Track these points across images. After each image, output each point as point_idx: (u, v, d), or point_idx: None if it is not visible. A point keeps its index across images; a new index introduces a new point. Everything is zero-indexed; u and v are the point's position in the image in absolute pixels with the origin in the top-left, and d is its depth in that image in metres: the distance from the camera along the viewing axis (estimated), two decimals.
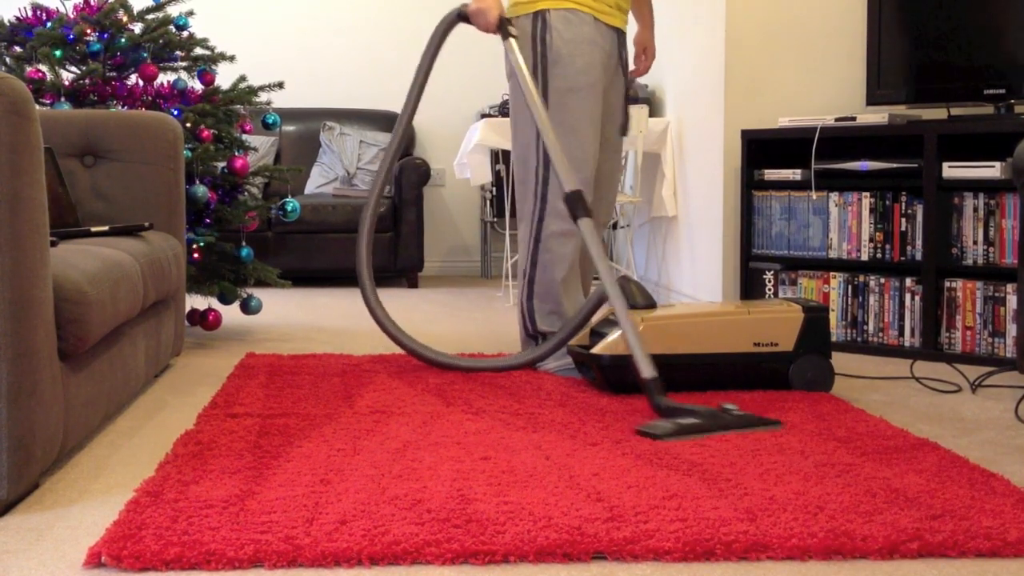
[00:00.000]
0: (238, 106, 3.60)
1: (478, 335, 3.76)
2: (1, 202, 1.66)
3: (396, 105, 6.25)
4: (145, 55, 3.47)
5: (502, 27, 2.86)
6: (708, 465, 1.96)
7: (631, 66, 3.25)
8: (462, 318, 4.23)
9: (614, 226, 5.38)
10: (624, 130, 3.12)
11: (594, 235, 2.64)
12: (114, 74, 3.52)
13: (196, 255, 3.40)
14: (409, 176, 5.49)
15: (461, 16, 2.95)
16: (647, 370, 2.38)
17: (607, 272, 2.57)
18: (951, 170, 3.19)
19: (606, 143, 3.10)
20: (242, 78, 3.70)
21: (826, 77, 3.80)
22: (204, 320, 3.55)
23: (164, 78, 3.61)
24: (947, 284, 3.22)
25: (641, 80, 4.87)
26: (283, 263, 5.24)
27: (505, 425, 2.28)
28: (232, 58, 3.64)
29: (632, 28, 3.34)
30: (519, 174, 3.02)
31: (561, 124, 2.91)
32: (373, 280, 3.01)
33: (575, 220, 2.62)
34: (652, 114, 4.72)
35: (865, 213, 3.38)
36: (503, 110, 5.16)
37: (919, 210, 3.27)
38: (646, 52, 3.27)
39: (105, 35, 3.47)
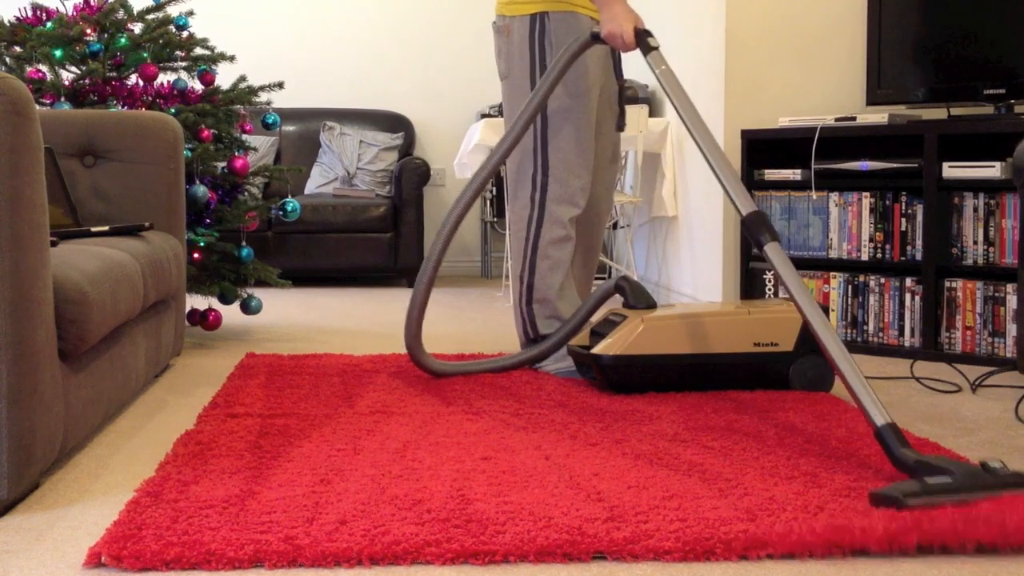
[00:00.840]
0: (238, 106, 3.60)
1: (478, 335, 3.76)
2: (1, 202, 1.66)
3: (396, 105, 6.25)
4: (145, 55, 3.47)
5: (641, 41, 2.65)
6: (708, 465, 1.96)
7: (644, 70, 3.26)
8: (462, 318, 4.23)
9: (614, 226, 5.38)
10: (620, 126, 3.10)
11: (783, 258, 2.17)
12: (114, 74, 3.52)
13: (196, 255, 3.40)
14: (409, 176, 5.50)
15: (596, 38, 2.75)
16: (880, 418, 1.89)
17: (802, 297, 2.10)
18: (951, 170, 3.19)
19: (603, 140, 3.09)
20: (242, 78, 3.70)
21: (826, 77, 3.81)
22: (204, 320, 3.55)
23: (164, 78, 3.61)
24: (947, 284, 3.22)
25: (641, 80, 4.87)
26: (283, 263, 5.24)
27: (505, 425, 2.28)
28: (232, 58, 3.65)
29: None
30: (513, 179, 2.98)
31: (562, 129, 2.88)
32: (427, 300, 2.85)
33: (760, 248, 2.20)
34: (652, 114, 4.72)
35: (865, 213, 3.38)
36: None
37: (919, 210, 3.27)
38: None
39: (105, 35, 3.47)
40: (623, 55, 3.17)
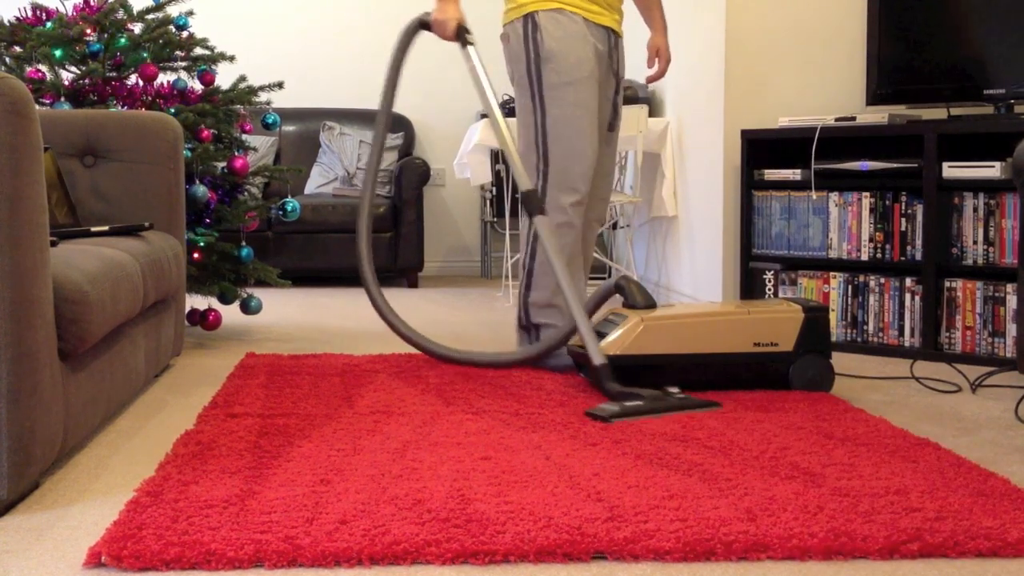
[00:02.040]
0: (238, 106, 3.60)
1: (478, 335, 3.76)
2: (1, 202, 1.66)
3: (396, 105, 6.25)
4: (145, 55, 3.47)
5: (460, 36, 2.93)
6: (708, 465, 1.96)
7: (646, 71, 3.29)
8: (462, 318, 4.23)
9: (614, 226, 5.38)
10: (611, 126, 3.14)
11: (551, 232, 2.76)
12: (114, 74, 3.52)
13: (196, 255, 3.40)
14: (409, 176, 5.49)
15: (423, 24, 3.01)
16: (597, 357, 2.53)
17: (560, 271, 2.68)
18: (951, 170, 3.19)
19: (603, 147, 3.13)
20: (242, 78, 3.70)
21: (826, 77, 3.81)
22: (204, 320, 3.55)
23: (164, 78, 3.61)
24: (947, 284, 3.22)
25: (641, 80, 4.87)
26: (283, 263, 5.24)
27: (505, 425, 2.28)
28: (232, 58, 3.64)
29: (638, 32, 3.35)
30: (525, 167, 3.04)
31: (559, 118, 2.95)
32: (376, 279, 3.03)
33: (531, 217, 2.77)
34: (652, 114, 4.72)
35: (865, 213, 3.38)
36: (503, 110, 5.16)
37: (919, 210, 3.27)
38: (659, 55, 3.29)
39: (105, 35, 3.47)
40: (625, 57, 3.19)
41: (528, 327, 3.05)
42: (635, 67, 5.13)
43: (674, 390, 2.49)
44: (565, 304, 2.90)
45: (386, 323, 3.01)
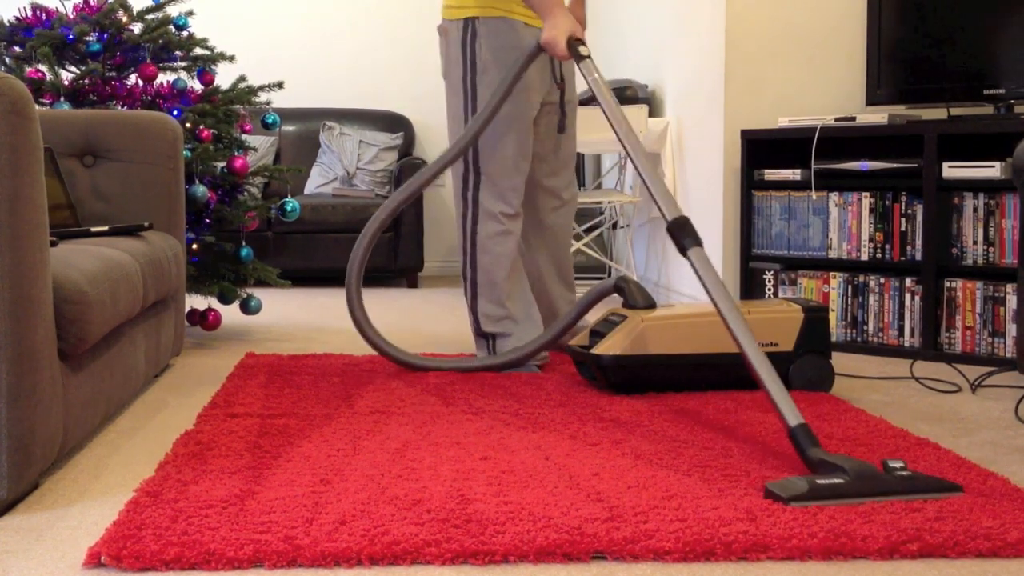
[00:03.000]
0: (238, 106, 3.60)
1: None
2: (1, 202, 1.66)
3: (396, 105, 6.25)
4: (145, 55, 3.47)
5: (572, 50, 2.73)
6: (708, 465, 1.96)
7: (646, 70, 3.26)
8: (462, 318, 4.23)
9: (614, 226, 5.38)
10: (561, 128, 3.11)
11: (707, 264, 2.23)
12: (114, 74, 3.52)
13: (196, 255, 3.39)
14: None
15: (541, 47, 2.82)
16: (793, 418, 1.94)
17: (722, 300, 2.16)
18: (951, 170, 3.19)
19: (544, 143, 3.10)
20: (242, 78, 3.70)
21: (826, 77, 3.80)
22: (204, 320, 3.55)
23: (164, 78, 3.61)
24: (947, 284, 3.22)
25: (641, 80, 4.87)
26: (283, 263, 5.24)
27: (505, 425, 2.28)
28: (232, 58, 3.64)
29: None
30: (453, 178, 3.06)
31: (491, 131, 2.93)
32: (360, 287, 3.00)
33: (683, 252, 2.28)
34: (652, 114, 4.72)
35: (865, 213, 3.38)
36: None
37: (919, 210, 3.27)
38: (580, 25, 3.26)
39: (105, 35, 3.47)
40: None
41: (484, 335, 3.03)
42: (635, 67, 5.14)
43: (897, 464, 1.82)
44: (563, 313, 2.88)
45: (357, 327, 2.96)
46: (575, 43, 2.73)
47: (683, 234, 2.28)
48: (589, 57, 2.70)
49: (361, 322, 2.96)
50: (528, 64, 2.86)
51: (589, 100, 4.71)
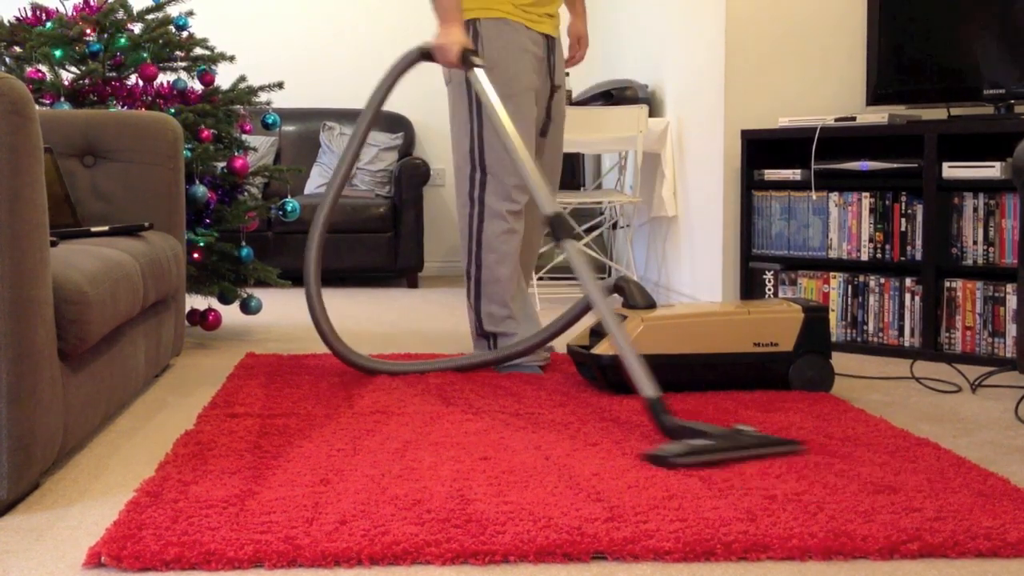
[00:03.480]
0: (238, 106, 3.60)
1: None
2: (1, 202, 1.66)
3: (396, 105, 6.25)
4: (145, 55, 3.47)
5: (465, 60, 2.82)
6: (708, 465, 1.96)
7: (566, 55, 3.28)
8: (462, 318, 4.23)
9: (614, 226, 5.38)
10: (543, 132, 3.13)
11: (581, 256, 2.53)
12: (114, 74, 3.52)
13: (196, 255, 3.40)
14: (409, 176, 5.49)
15: (424, 55, 2.93)
16: (649, 389, 2.17)
17: (591, 287, 2.45)
18: (951, 170, 3.19)
19: (544, 149, 3.14)
20: (242, 78, 3.70)
21: (826, 77, 3.80)
22: (204, 320, 3.55)
23: (164, 78, 3.61)
24: (947, 284, 3.22)
25: (641, 80, 4.87)
26: (283, 263, 5.23)
27: (505, 425, 2.28)
28: (232, 58, 3.64)
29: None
30: (457, 179, 3.07)
31: (497, 131, 2.91)
32: (319, 282, 2.96)
33: (558, 242, 2.56)
34: (652, 114, 4.72)
35: (865, 213, 3.38)
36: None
37: (919, 210, 3.27)
38: (580, 42, 3.31)
39: (105, 35, 3.47)
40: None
41: (486, 335, 3.04)
42: (635, 67, 5.14)
43: (746, 428, 2.10)
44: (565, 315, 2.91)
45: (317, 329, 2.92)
46: (469, 54, 2.82)
47: (560, 229, 2.55)
48: (481, 67, 2.81)
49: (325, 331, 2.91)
50: (405, 69, 2.98)
51: (587, 101, 4.72)
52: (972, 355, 3.17)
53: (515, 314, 3.00)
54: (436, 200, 6.30)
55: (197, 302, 4.31)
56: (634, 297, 2.72)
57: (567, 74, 3.24)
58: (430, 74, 6.32)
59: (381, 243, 5.43)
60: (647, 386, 2.17)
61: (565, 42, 3.28)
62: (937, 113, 3.58)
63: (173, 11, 3.65)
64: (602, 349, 2.62)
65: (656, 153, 4.62)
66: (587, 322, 3.18)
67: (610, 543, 1.54)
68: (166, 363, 2.95)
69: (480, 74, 2.79)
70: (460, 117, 3.02)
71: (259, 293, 5.09)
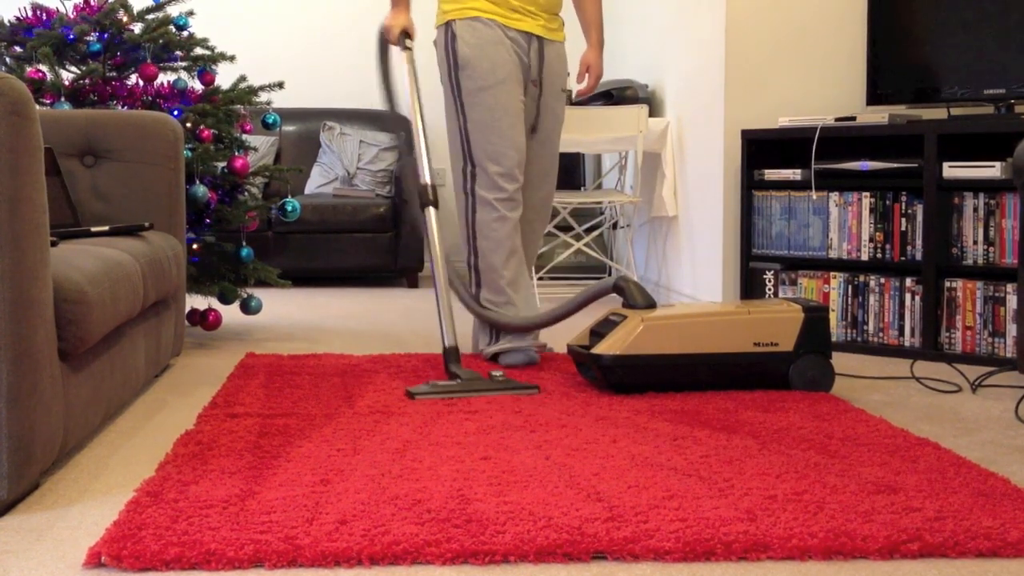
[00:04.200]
0: (238, 106, 3.60)
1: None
2: (1, 202, 1.66)
3: (396, 105, 6.24)
4: (145, 55, 3.47)
5: (400, 41, 3.14)
6: (708, 465, 1.96)
7: (573, 81, 3.38)
8: (462, 318, 4.23)
9: (614, 226, 5.38)
10: (534, 129, 3.19)
11: (435, 224, 2.94)
12: (114, 74, 3.52)
13: (196, 255, 3.39)
14: (409, 176, 5.49)
15: (381, 37, 3.21)
16: (448, 339, 2.79)
17: (438, 259, 2.91)
18: (951, 170, 3.19)
19: (543, 149, 3.20)
20: (242, 78, 3.70)
21: (826, 77, 3.80)
22: (204, 320, 3.55)
23: (164, 78, 3.61)
24: (947, 284, 3.22)
25: (641, 80, 4.87)
26: (283, 263, 5.24)
27: (505, 425, 2.28)
28: (232, 58, 3.64)
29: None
30: (453, 174, 3.20)
31: (478, 121, 3.06)
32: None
33: (422, 210, 2.93)
34: (652, 114, 4.72)
35: (865, 213, 3.38)
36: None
37: (919, 210, 3.27)
38: (590, 71, 3.35)
39: (105, 35, 3.47)
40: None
41: (489, 323, 3.12)
42: (635, 67, 5.14)
43: (497, 373, 2.67)
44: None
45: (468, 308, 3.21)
46: (403, 36, 3.14)
47: (423, 198, 2.98)
48: (411, 50, 3.15)
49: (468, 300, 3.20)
50: (384, 53, 3.22)
51: (587, 101, 4.71)
52: (972, 355, 3.17)
53: (514, 301, 3.08)
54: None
55: (197, 302, 4.31)
56: (634, 297, 2.72)
57: (566, 74, 3.25)
58: (430, 74, 6.32)
59: (381, 243, 5.43)
60: (448, 336, 2.80)
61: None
62: (937, 113, 3.58)
63: (173, 11, 3.65)
64: (602, 349, 2.62)
65: (656, 153, 4.62)
66: (587, 323, 3.19)
67: (610, 543, 1.54)
68: (166, 363, 2.95)
69: (409, 56, 3.12)
70: (450, 113, 3.13)
71: (259, 293, 5.09)
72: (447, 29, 3.10)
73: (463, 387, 2.59)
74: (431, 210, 2.95)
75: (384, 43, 3.21)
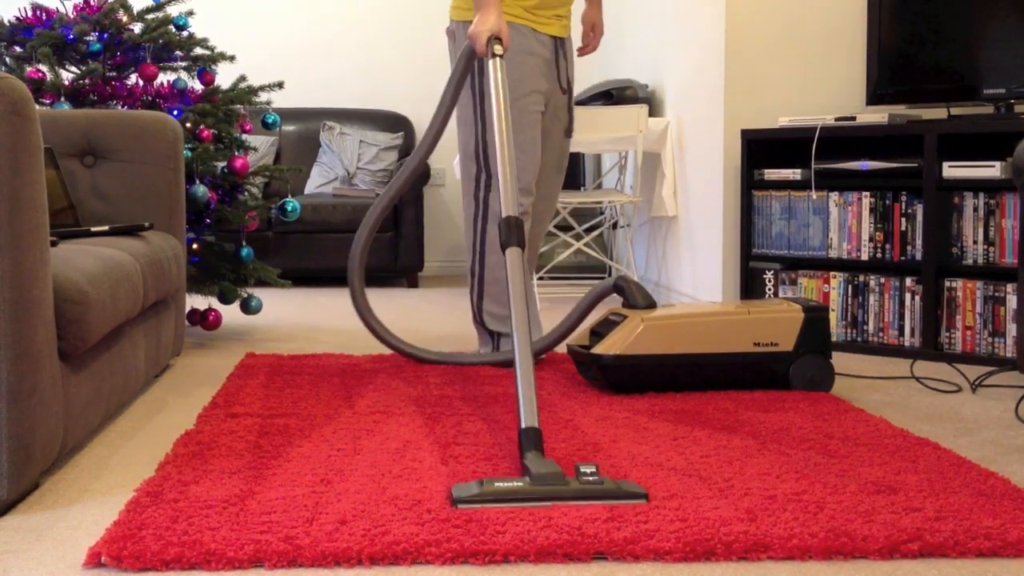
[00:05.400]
0: (238, 106, 3.60)
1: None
2: (1, 202, 1.66)
3: (396, 105, 6.25)
4: (145, 55, 3.47)
5: (489, 48, 2.77)
6: (708, 465, 1.96)
7: (578, 45, 3.31)
8: (462, 318, 4.23)
9: (614, 226, 5.38)
10: (568, 132, 3.18)
11: (518, 265, 2.30)
12: (114, 74, 3.52)
13: (196, 255, 3.39)
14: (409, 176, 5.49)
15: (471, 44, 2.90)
16: (527, 418, 1.97)
17: (519, 302, 2.19)
18: (951, 170, 3.19)
19: (551, 144, 3.16)
20: (242, 78, 3.70)
21: (826, 77, 3.80)
22: (204, 320, 3.55)
23: (164, 78, 3.61)
24: (947, 284, 3.22)
25: (641, 80, 4.87)
26: (283, 263, 5.24)
27: (505, 425, 2.28)
28: (232, 58, 3.64)
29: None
30: (462, 179, 3.11)
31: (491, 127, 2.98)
32: (363, 282, 3.08)
33: (503, 248, 2.34)
34: (652, 114, 4.72)
35: (865, 213, 3.38)
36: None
37: (919, 210, 3.27)
38: (594, 29, 3.30)
39: (105, 35, 3.47)
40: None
41: (489, 332, 3.09)
42: (635, 67, 5.14)
43: (588, 469, 1.80)
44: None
45: (365, 325, 3.05)
46: (493, 41, 2.74)
47: (504, 235, 2.35)
48: (500, 56, 2.71)
49: (368, 318, 3.04)
50: (471, 62, 2.89)
51: (587, 101, 4.71)
52: (972, 355, 3.17)
53: None
54: (436, 200, 6.30)
55: (197, 302, 4.31)
56: (634, 297, 2.72)
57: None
58: (430, 74, 6.33)
59: (381, 243, 5.43)
60: (527, 416, 1.96)
61: (577, 33, 3.29)
62: (937, 113, 3.57)
63: (173, 11, 3.65)
64: (602, 349, 2.62)
65: (656, 153, 4.62)
66: (587, 323, 3.19)
67: (610, 543, 1.54)
68: (166, 363, 2.95)
69: (496, 64, 2.69)
70: (467, 118, 3.05)
71: (259, 293, 5.09)
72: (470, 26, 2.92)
73: (533, 493, 1.74)
74: (515, 251, 2.32)
75: (469, 59, 2.86)
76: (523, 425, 1.94)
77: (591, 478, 1.77)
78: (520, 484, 1.75)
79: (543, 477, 1.76)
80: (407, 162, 3.11)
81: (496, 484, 1.74)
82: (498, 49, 2.72)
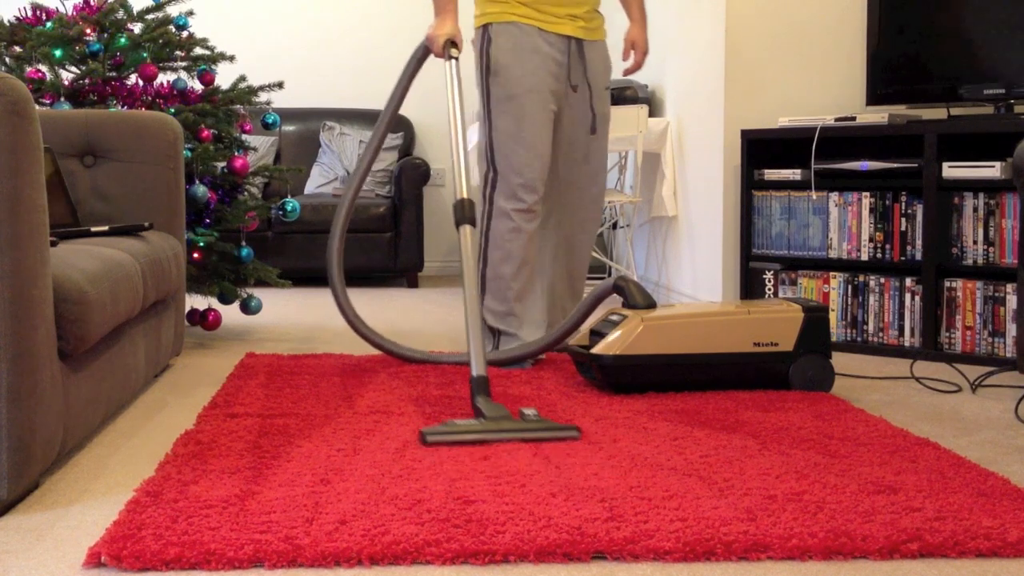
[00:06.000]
0: (238, 106, 3.60)
1: None
2: (1, 202, 1.66)
3: None
4: (145, 55, 3.47)
5: (445, 52, 2.99)
6: (708, 465, 1.96)
7: (622, 61, 3.33)
8: (462, 318, 4.23)
9: (614, 226, 5.38)
10: (593, 129, 3.15)
11: (469, 242, 2.61)
12: (114, 74, 3.52)
13: (196, 255, 3.39)
14: (409, 176, 5.49)
15: (425, 48, 3.07)
16: (476, 367, 2.39)
17: (470, 280, 2.55)
18: (951, 170, 3.19)
19: (572, 146, 3.14)
20: (242, 78, 3.70)
21: (826, 77, 3.80)
22: (204, 320, 3.55)
23: (164, 78, 3.61)
24: (947, 284, 3.22)
25: (641, 80, 4.87)
26: (283, 263, 5.24)
27: None
28: (232, 58, 3.64)
29: (619, 27, 3.39)
30: (478, 178, 3.19)
31: (503, 130, 3.04)
32: (343, 280, 3.08)
33: (456, 226, 2.65)
34: (652, 114, 4.72)
35: (865, 213, 3.38)
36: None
37: (919, 210, 3.27)
38: (635, 47, 3.32)
39: (105, 35, 3.47)
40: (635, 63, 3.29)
41: (489, 330, 3.10)
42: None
43: (529, 411, 2.24)
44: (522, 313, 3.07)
45: (349, 324, 3.06)
46: (449, 45, 2.97)
47: (457, 214, 2.64)
48: (456, 59, 2.95)
49: (353, 319, 3.05)
50: (415, 66, 3.08)
51: None
52: (972, 355, 3.17)
53: (517, 313, 3.06)
54: (436, 200, 6.30)
55: (197, 302, 4.31)
56: (634, 297, 2.72)
57: (610, 71, 3.26)
58: (430, 74, 6.32)
59: (381, 243, 5.43)
60: (476, 365, 2.39)
61: (617, 51, 3.35)
62: (937, 113, 3.57)
63: (173, 11, 3.66)
64: (602, 349, 2.62)
65: (656, 153, 4.62)
66: (587, 323, 3.19)
67: (610, 543, 1.54)
68: (166, 363, 2.95)
69: (453, 65, 2.93)
70: (479, 117, 3.12)
71: (259, 293, 5.09)
72: (484, 32, 3.07)
73: (487, 429, 2.15)
74: (466, 228, 2.68)
75: (423, 54, 3.08)
76: (473, 374, 2.37)
77: (534, 418, 2.20)
78: (476, 423, 2.16)
79: (495, 418, 2.19)
80: (361, 156, 3.16)
81: (458, 423, 2.15)
82: (454, 52, 2.96)
